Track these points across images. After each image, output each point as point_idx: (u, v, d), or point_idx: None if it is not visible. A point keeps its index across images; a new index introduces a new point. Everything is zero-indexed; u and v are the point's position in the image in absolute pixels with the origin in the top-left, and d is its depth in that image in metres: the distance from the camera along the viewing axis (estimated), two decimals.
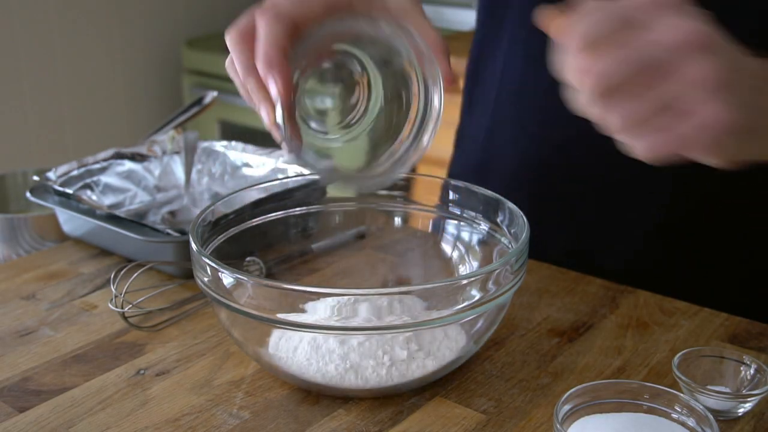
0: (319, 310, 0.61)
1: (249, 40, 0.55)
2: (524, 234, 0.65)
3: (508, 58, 0.90)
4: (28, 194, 0.91)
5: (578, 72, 0.48)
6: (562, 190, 0.89)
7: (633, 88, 0.47)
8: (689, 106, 0.47)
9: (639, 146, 0.49)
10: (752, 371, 0.63)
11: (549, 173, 0.88)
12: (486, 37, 0.94)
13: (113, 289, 0.74)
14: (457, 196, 0.76)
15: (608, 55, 0.47)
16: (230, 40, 0.57)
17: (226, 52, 0.58)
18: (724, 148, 0.49)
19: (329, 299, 0.61)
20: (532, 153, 0.89)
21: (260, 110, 0.56)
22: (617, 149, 0.52)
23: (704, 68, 0.46)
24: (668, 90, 0.47)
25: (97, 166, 0.94)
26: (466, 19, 2.27)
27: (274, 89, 0.53)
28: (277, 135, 0.54)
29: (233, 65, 0.58)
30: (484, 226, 0.74)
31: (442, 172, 1.01)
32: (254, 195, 0.76)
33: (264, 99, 0.56)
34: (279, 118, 0.52)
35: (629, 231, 0.86)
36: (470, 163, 0.97)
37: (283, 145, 0.53)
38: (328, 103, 0.56)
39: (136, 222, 0.84)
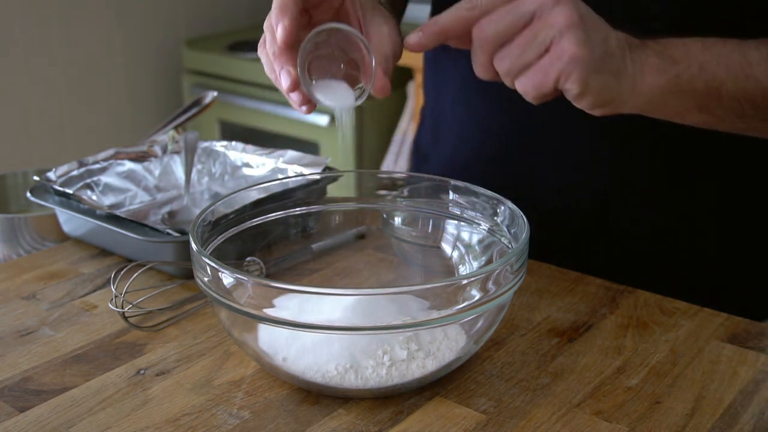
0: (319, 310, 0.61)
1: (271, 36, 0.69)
2: (524, 234, 0.65)
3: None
4: (28, 194, 0.90)
5: (477, 41, 0.64)
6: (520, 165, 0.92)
7: (511, 37, 0.63)
8: (549, 43, 0.62)
9: (523, 86, 0.64)
10: None
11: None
12: None
13: (113, 289, 0.74)
14: (457, 196, 0.76)
15: (493, 20, 0.63)
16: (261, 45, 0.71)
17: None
18: (584, 80, 0.63)
19: (330, 299, 0.61)
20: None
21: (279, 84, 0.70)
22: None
23: (559, 13, 0.62)
24: (533, 32, 0.62)
25: (97, 166, 0.94)
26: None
27: (285, 80, 0.67)
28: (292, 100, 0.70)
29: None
30: (484, 226, 0.74)
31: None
32: (254, 195, 0.76)
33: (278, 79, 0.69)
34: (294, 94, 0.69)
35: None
36: (428, 134, 1.03)
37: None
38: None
39: (136, 222, 0.84)
